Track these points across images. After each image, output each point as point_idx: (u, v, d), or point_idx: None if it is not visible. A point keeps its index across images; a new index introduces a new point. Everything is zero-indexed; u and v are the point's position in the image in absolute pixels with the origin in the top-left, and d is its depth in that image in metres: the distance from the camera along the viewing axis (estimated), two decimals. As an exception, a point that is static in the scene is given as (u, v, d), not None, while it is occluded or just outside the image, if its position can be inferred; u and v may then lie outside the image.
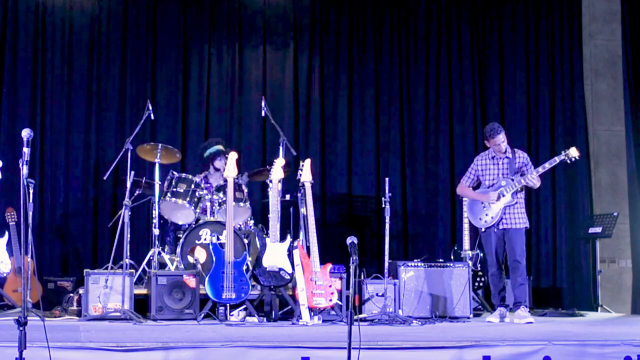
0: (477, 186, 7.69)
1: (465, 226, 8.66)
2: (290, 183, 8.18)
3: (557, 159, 7.38)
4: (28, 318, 4.33)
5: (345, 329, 4.65)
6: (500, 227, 7.38)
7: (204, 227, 7.86)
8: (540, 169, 7.38)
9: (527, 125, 9.98)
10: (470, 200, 7.63)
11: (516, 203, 7.37)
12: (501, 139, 7.41)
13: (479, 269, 8.47)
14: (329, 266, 7.06)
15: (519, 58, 10.08)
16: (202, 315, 6.89)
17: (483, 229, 7.47)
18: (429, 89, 9.92)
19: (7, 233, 7.59)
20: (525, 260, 7.48)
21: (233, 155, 7.30)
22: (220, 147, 8.42)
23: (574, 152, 7.35)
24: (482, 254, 8.38)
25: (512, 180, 7.37)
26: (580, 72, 10.13)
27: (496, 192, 7.35)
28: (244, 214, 8.19)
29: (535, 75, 10.10)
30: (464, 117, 9.91)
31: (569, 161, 7.43)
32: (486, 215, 7.40)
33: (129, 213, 7.24)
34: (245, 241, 7.77)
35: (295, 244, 7.13)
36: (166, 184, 8.05)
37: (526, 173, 7.40)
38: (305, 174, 7.27)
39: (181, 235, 7.93)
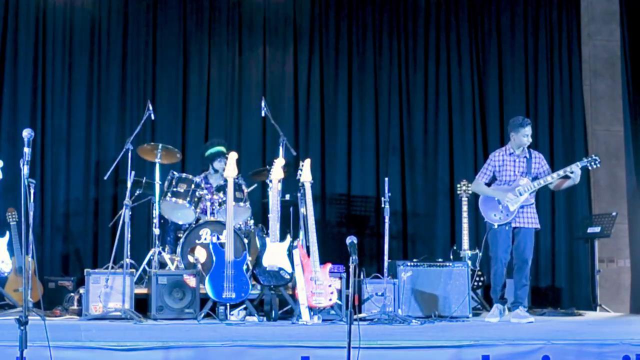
0: (490, 183, 7.62)
1: (465, 226, 8.68)
2: (290, 183, 8.20)
3: (578, 164, 7.28)
4: (29, 317, 4.33)
5: (344, 328, 4.67)
6: (513, 225, 7.35)
7: (204, 226, 7.88)
8: (561, 172, 7.32)
9: (527, 126, 9.98)
10: (484, 196, 7.55)
11: (531, 203, 7.37)
12: (530, 131, 7.41)
13: (479, 268, 8.48)
14: (329, 266, 7.08)
15: (518, 59, 10.09)
16: (203, 314, 6.91)
17: (495, 225, 7.41)
18: (428, 89, 9.93)
19: (8, 233, 7.60)
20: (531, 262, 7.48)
21: (233, 155, 7.32)
22: (221, 148, 8.44)
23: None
24: (481, 254, 8.40)
25: (531, 180, 7.35)
26: (579, 73, 10.14)
27: (514, 193, 7.30)
28: (244, 214, 8.21)
29: (534, 76, 10.11)
30: (464, 118, 9.93)
31: (590, 167, 7.38)
32: (501, 212, 7.34)
33: (130, 213, 7.26)
34: (245, 241, 7.79)
35: (295, 243, 7.14)
36: (166, 183, 8.07)
37: (543, 175, 7.38)
38: (305, 174, 7.29)
39: (181, 235, 7.95)
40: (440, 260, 8.16)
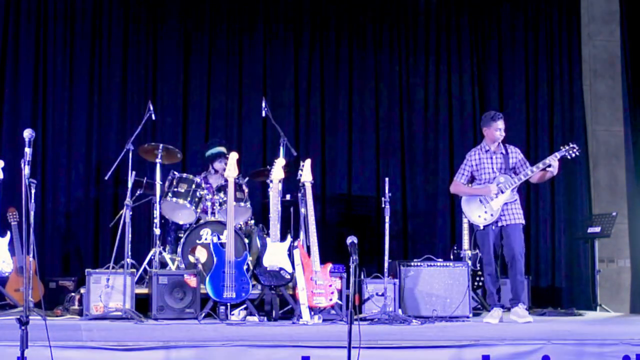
0: (469, 184, 7.54)
1: (465, 226, 8.66)
2: (291, 183, 8.21)
3: (557, 155, 7.24)
4: (30, 317, 4.35)
5: (345, 328, 4.67)
6: (499, 224, 7.28)
7: (205, 226, 7.90)
8: (541, 165, 7.26)
9: (526, 126, 9.99)
10: (466, 197, 7.47)
11: (515, 200, 7.30)
12: (502, 124, 7.32)
13: (478, 268, 8.48)
14: (329, 266, 7.09)
15: (518, 59, 10.10)
16: (203, 314, 6.93)
17: (481, 227, 7.34)
18: (428, 89, 9.95)
19: (9, 233, 7.61)
20: (524, 258, 7.43)
21: (233, 156, 7.34)
22: (221, 148, 8.45)
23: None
24: (480, 254, 8.39)
25: (511, 177, 7.29)
26: (579, 73, 10.15)
27: (496, 187, 7.25)
28: (245, 214, 8.22)
29: (534, 76, 10.12)
30: (464, 117, 9.94)
31: (569, 156, 7.31)
32: (485, 212, 7.28)
33: (130, 213, 7.28)
34: (246, 241, 7.80)
35: (296, 243, 7.16)
36: (167, 184, 8.09)
37: (521, 171, 7.33)
38: (306, 174, 7.31)
39: (182, 235, 7.97)
40: (440, 260, 8.16)
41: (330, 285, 7.00)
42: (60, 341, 4.82)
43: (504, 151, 7.40)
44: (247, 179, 8.33)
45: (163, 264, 7.92)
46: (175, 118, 9.36)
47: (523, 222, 7.39)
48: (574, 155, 7.33)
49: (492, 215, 7.28)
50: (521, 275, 7.31)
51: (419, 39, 9.99)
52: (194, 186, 8.04)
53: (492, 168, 7.37)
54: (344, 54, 9.82)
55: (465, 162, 7.51)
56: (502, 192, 7.25)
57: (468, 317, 7.67)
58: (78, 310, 7.34)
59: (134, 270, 7.43)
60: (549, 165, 7.23)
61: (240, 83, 9.56)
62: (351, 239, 4.94)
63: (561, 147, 7.39)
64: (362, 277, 7.60)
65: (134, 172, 7.60)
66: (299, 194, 7.48)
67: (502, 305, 7.42)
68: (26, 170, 4.75)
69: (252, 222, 8.38)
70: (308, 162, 7.38)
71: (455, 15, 10.04)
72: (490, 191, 7.25)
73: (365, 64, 9.85)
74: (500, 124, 7.32)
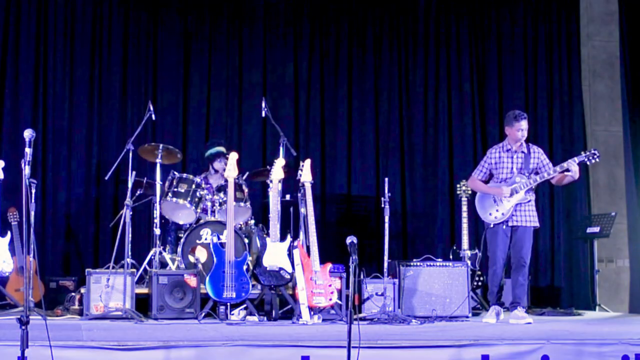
0: (487, 180, 7.50)
1: (464, 226, 8.69)
2: (291, 183, 8.23)
3: (576, 159, 7.14)
4: (30, 317, 4.35)
5: (345, 328, 4.69)
6: (510, 224, 7.24)
7: (205, 226, 7.91)
8: (558, 168, 7.19)
9: (526, 126, 10.00)
10: (481, 194, 7.43)
11: (529, 201, 7.25)
12: (525, 125, 7.24)
13: (478, 268, 8.50)
14: (329, 265, 7.10)
15: (517, 59, 10.11)
16: (203, 314, 6.93)
17: (491, 225, 7.28)
18: (428, 89, 9.96)
19: (9, 233, 7.61)
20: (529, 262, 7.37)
21: (233, 156, 7.35)
22: (221, 148, 8.47)
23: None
24: (480, 253, 8.41)
25: (528, 177, 7.24)
26: (578, 73, 10.17)
27: (509, 188, 7.19)
28: (245, 214, 8.23)
29: (534, 76, 10.14)
30: (463, 118, 9.95)
31: (588, 162, 7.23)
32: (497, 211, 7.25)
33: (131, 213, 7.29)
34: (246, 241, 7.81)
35: (295, 243, 7.16)
36: (167, 184, 8.10)
37: (542, 171, 7.26)
38: (305, 174, 7.31)
39: (182, 235, 7.98)
40: (440, 260, 8.17)
41: (330, 285, 7.00)
42: (61, 341, 4.84)
43: (525, 151, 7.34)
44: (246, 175, 8.34)
45: (163, 264, 7.93)
46: (175, 118, 9.37)
47: (536, 224, 7.34)
48: (593, 161, 7.22)
49: (503, 214, 7.24)
50: (524, 279, 7.28)
51: (419, 39, 10.00)
52: (194, 186, 8.05)
53: (511, 167, 7.31)
54: (344, 54, 9.83)
55: (485, 159, 7.48)
56: (517, 192, 7.20)
57: (467, 317, 7.68)
58: (78, 310, 7.34)
59: (134, 270, 7.44)
60: (568, 170, 7.16)
61: (240, 83, 9.58)
62: (351, 239, 4.96)
63: (582, 152, 7.31)
64: (362, 277, 7.60)
65: (134, 172, 7.61)
66: (299, 194, 7.49)
67: (501, 304, 7.43)
68: (26, 170, 4.75)
69: (252, 222, 8.39)
70: (308, 162, 7.38)
71: (454, 15, 10.06)
72: (502, 193, 7.21)
73: (365, 63, 9.86)
74: (524, 124, 7.25)
